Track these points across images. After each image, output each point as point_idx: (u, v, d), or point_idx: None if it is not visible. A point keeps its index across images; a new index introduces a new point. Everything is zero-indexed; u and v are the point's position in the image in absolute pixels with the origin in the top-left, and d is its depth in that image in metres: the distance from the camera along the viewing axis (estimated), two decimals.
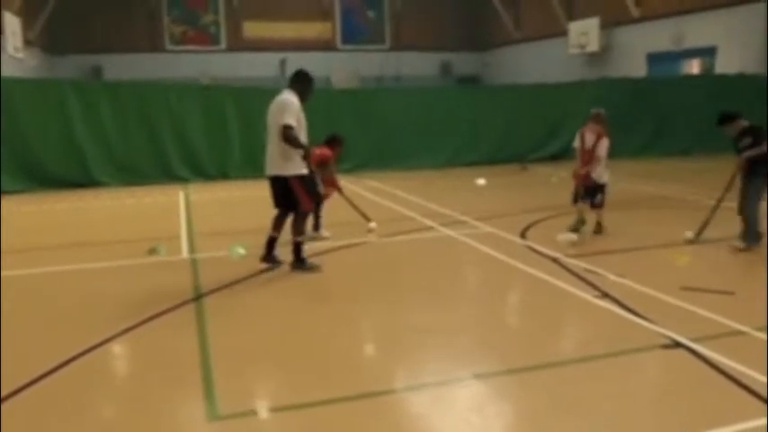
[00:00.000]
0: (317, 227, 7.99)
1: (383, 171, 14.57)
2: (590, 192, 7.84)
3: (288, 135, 6.12)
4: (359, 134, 14.88)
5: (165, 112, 13.91)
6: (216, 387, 3.91)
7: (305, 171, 6.41)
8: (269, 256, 6.68)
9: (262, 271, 6.48)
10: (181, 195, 12.09)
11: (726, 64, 19.48)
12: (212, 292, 5.86)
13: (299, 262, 6.54)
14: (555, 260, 6.73)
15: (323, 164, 7.85)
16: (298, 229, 6.55)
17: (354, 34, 33.21)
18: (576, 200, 7.95)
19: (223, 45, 31.33)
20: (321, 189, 7.78)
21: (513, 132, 16.08)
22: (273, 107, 6.33)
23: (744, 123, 7.00)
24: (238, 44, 31.22)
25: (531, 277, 6.23)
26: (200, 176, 14.12)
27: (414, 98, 16.04)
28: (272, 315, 5.36)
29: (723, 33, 19.87)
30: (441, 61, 33.43)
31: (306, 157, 6.30)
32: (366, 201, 10.81)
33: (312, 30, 32.14)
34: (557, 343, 4.74)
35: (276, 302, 5.66)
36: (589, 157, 7.76)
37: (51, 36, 26.33)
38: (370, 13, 33.57)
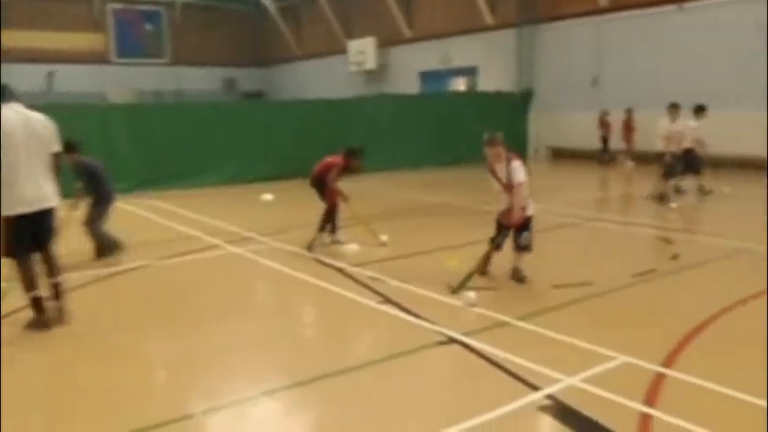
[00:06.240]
0: (333, 229, 8.28)
1: (165, 190, 13.67)
2: (519, 229, 6.39)
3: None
4: (137, 151, 14.00)
5: None
6: None
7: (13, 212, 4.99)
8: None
9: (16, 310, 5.56)
10: None
11: (486, 82, 21.60)
12: None
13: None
14: (340, 270, 6.91)
15: (328, 171, 8.03)
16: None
17: (131, 47, 31.47)
18: (497, 246, 6.45)
19: None
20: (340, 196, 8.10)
21: (299, 147, 15.98)
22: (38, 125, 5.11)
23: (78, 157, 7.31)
24: None
25: (317, 289, 6.33)
26: None
27: (194, 113, 15.40)
28: (43, 359, 4.83)
29: (482, 55, 22.03)
30: (224, 77, 32.92)
31: None
32: (146, 221, 10.26)
33: (83, 41, 29.90)
34: (344, 350, 4.86)
35: (48, 345, 5.08)
36: (509, 188, 6.25)
37: None
38: (148, 27, 32.05)
